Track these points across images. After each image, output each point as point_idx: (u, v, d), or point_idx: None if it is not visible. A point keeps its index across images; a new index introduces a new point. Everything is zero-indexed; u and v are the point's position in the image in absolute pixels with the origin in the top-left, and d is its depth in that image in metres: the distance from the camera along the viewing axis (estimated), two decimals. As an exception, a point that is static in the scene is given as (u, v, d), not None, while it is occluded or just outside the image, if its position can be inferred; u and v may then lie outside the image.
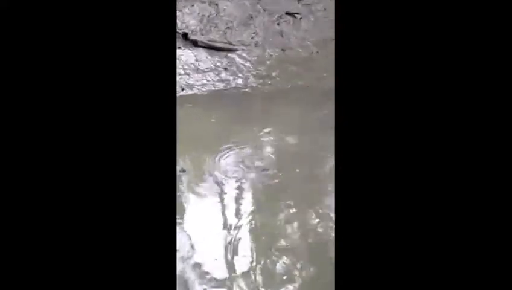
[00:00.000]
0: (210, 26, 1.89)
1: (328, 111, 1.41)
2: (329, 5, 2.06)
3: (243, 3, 2.00)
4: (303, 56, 1.86)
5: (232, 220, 1.17)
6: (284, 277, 1.01)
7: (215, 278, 1.01)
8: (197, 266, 1.03)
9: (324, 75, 1.73)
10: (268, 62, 1.82)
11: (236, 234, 1.12)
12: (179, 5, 1.92)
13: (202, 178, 1.35)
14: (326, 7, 2.06)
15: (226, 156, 1.41)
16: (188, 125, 1.42)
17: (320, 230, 1.16)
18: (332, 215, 1.13)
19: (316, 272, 1.02)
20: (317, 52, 1.86)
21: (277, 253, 1.06)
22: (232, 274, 1.02)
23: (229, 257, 1.05)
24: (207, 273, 1.02)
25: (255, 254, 1.08)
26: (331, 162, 1.33)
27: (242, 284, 0.99)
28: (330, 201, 1.23)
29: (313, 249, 1.12)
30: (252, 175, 1.35)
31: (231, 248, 1.07)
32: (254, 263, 1.05)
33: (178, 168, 1.34)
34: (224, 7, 1.97)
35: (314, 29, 1.96)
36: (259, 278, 1.01)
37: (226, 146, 1.44)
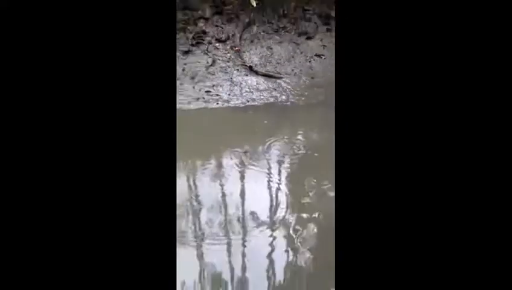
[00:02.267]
0: (266, 62, 2.91)
1: None
2: None
3: (287, 47, 3.01)
4: (324, 82, 2.78)
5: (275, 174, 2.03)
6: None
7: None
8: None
9: None
10: (302, 86, 2.77)
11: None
12: (247, 47, 2.98)
13: (259, 155, 2.21)
14: None
15: (273, 142, 2.28)
16: (249, 124, 2.37)
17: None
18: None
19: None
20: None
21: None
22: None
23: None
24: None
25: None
26: (333, 141, 2.05)
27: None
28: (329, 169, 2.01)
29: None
30: (287, 153, 2.17)
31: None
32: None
33: (243, 149, 2.19)
34: (276, 50, 2.99)
35: (333, 65, 2.89)
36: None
37: (273, 138, 2.32)
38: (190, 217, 1.67)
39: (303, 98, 2.64)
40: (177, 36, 2.96)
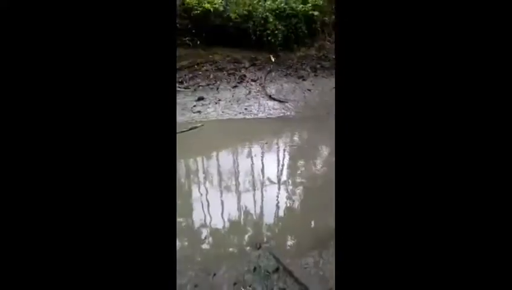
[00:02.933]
0: (279, 93, 4.69)
1: (325, 124, 3.63)
2: (328, 87, 4.73)
3: (291, 85, 4.83)
4: (314, 105, 4.34)
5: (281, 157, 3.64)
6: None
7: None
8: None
9: (326, 113, 4.02)
10: (299, 106, 4.36)
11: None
12: (269, 84, 4.83)
13: (273, 145, 3.53)
14: (325, 88, 4.76)
15: (277, 140, 3.54)
16: (268, 127, 3.76)
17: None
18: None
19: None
20: (320, 102, 4.51)
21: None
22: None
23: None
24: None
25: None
26: (323, 144, 3.22)
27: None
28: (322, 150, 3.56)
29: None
30: (288, 146, 3.31)
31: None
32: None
33: (264, 141, 3.71)
34: (285, 86, 4.80)
35: (319, 94, 4.72)
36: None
37: (281, 135, 3.79)
38: (233, 177, 2.63)
39: (299, 114, 4.17)
40: (229, 77, 4.87)
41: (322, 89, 4.80)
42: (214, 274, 1.50)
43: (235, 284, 1.42)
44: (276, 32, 5.30)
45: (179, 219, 2.06)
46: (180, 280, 1.47)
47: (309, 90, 4.77)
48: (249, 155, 3.07)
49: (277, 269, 1.50)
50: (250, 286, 1.40)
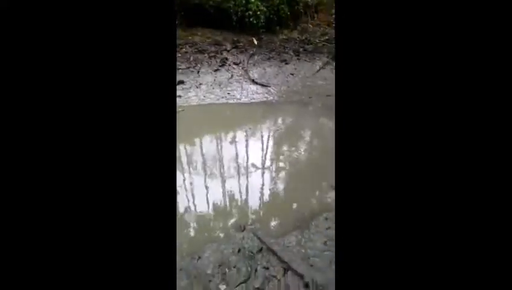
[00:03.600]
0: (262, 77, 4.67)
1: (308, 108, 3.76)
2: (310, 71, 4.70)
3: (274, 69, 4.78)
4: (296, 89, 4.34)
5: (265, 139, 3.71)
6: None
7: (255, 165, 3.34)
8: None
9: (308, 97, 4.09)
10: (282, 90, 4.34)
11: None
12: (251, 68, 4.75)
13: (257, 130, 3.60)
14: (307, 72, 4.74)
15: (260, 126, 3.51)
16: (251, 112, 3.76)
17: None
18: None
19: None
20: (303, 86, 4.53)
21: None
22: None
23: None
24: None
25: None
26: (306, 129, 3.34)
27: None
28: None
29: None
30: (271, 132, 3.36)
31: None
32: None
33: (247, 126, 3.63)
34: (268, 70, 4.75)
35: (302, 78, 4.72)
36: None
37: (265, 120, 3.77)
38: (217, 163, 2.61)
39: (283, 98, 4.16)
40: (211, 60, 4.72)
41: (305, 74, 4.80)
42: (199, 257, 1.52)
43: (219, 266, 1.45)
44: (258, 13, 5.13)
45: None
46: (164, 265, 1.48)
47: (292, 74, 4.74)
48: (233, 141, 3.08)
49: (261, 250, 1.55)
50: (234, 267, 1.44)
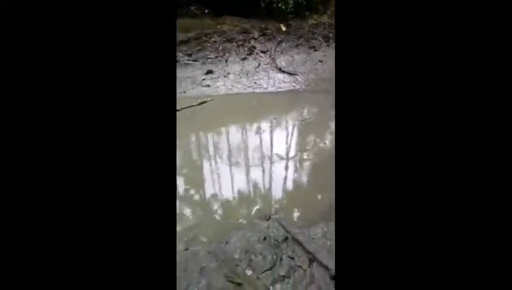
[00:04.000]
0: (289, 65, 4.54)
1: (331, 98, 3.55)
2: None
3: (302, 56, 4.63)
4: (325, 77, 4.23)
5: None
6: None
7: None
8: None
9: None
10: (310, 79, 4.25)
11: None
12: (279, 56, 4.65)
13: (282, 120, 3.62)
14: None
15: (286, 115, 3.46)
16: (278, 102, 3.68)
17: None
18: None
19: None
20: (331, 74, 4.30)
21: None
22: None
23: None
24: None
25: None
26: (334, 119, 3.34)
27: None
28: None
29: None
30: (297, 121, 3.33)
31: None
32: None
33: (273, 116, 3.69)
34: (295, 58, 4.64)
35: (331, 66, 4.51)
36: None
37: (291, 110, 3.77)
38: (242, 151, 2.65)
39: (310, 87, 4.01)
40: (238, 49, 4.72)
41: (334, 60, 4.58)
42: (226, 242, 1.59)
43: (246, 252, 1.50)
44: (287, -3, 4.95)
45: (191, 191, 2.15)
46: (194, 247, 1.58)
47: (321, 61, 4.56)
48: (258, 131, 3.10)
49: (286, 239, 1.57)
50: (260, 254, 1.48)
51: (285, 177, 2.30)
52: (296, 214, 1.89)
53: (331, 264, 1.36)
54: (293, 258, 1.44)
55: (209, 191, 2.20)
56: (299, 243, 1.52)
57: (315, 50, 4.73)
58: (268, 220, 1.78)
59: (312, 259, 1.42)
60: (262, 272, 1.38)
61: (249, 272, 1.38)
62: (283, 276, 1.35)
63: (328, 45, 4.76)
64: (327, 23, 5.11)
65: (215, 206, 2.02)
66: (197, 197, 2.13)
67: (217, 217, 1.93)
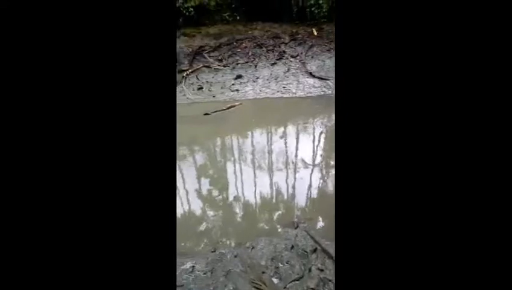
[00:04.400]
0: (320, 70, 4.47)
1: None
2: None
3: (333, 60, 4.46)
4: None
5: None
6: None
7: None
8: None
9: None
10: None
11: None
12: (309, 60, 4.59)
13: (309, 126, 3.61)
14: None
15: (314, 121, 3.45)
16: (307, 107, 3.73)
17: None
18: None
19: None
20: None
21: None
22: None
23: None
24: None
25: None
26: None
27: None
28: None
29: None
30: (326, 127, 3.29)
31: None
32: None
33: (298, 123, 3.62)
34: (326, 62, 4.52)
35: None
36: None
37: (321, 115, 3.67)
38: (267, 156, 2.66)
39: None
40: (267, 54, 4.73)
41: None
42: (253, 247, 1.56)
43: (272, 259, 1.46)
44: (321, 1, 4.87)
45: (215, 193, 2.16)
46: (219, 249, 1.56)
47: (354, 66, 4.38)
48: (284, 137, 3.11)
49: (315, 250, 1.50)
50: (287, 263, 1.43)
51: (312, 185, 2.26)
52: (325, 224, 1.80)
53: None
54: (322, 270, 1.37)
55: (232, 194, 2.19)
56: (330, 256, 1.43)
57: (348, 54, 4.55)
58: (296, 228, 1.72)
59: (343, 274, 1.33)
60: (290, 282, 1.32)
61: (275, 281, 1.33)
62: (312, 288, 1.27)
63: (362, 49, 4.55)
64: (361, 27, 4.91)
65: (238, 211, 2.00)
66: (219, 199, 2.13)
67: (241, 221, 1.91)
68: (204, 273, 1.39)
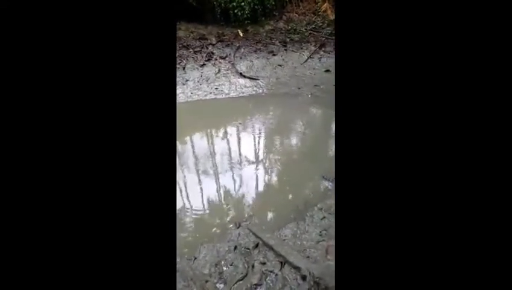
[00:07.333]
0: (250, 70, 4.61)
1: (298, 99, 3.79)
2: (298, 61, 4.70)
3: (262, 61, 4.75)
4: (285, 81, 4.35)
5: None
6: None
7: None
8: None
9: (297, 88, 4.11)
10: (271, 82, 4.32)
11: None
12: (238, 61, 4.70)
13: (247, 125, 3.89)
14: (295, 62, 4.74)
15: (251, 119, 3.59)
16: (240, 107, 3.70)
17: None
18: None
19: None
20: (291, 77, 4.52)
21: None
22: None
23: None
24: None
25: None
26: (297, 120, 3.55)
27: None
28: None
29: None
30: (262, 125, 3.50)
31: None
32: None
33: (238, 121, 3.65)
34: (255, 63, 4.73)
35: (290, 69, 4.70)
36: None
37: (255, 114, 3.84)
38: (210, 159, 2.59)
39: (272, 91, 4.07)
40: (196, 55, 4.61)
41: (293, 64, 4.75)
42: (195, 258, 1.50)
43: (216, 265, 1.44)
44: (243, 4, 5.01)
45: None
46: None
47: (280, 65, 4.68)
48: (224, 136, 3.10)
49: (257, 245, 1.54)
50: (231, 265, 1.43)
51: (254, 182, 2.32)
52: (266, 218, 1.87)
53: (302, 264, 1.36)
54: (264, 264, 1.42)
55: (177, 205, 2.07)
56: (270, 248, 1.50)
57: (273, 55, 4.85)
58: (238, 227, 1.74)
59: (283, 262, 1.41)
60: (234, 284, 1.32)
61: (220, 286, 1.32)
62: (256, 284, 1.31)
63: (285, 50, 4.91)
64: (283, 29, 5.29)
65: (183, 221, 1.91)
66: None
67: (184, 233, 1.82)
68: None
